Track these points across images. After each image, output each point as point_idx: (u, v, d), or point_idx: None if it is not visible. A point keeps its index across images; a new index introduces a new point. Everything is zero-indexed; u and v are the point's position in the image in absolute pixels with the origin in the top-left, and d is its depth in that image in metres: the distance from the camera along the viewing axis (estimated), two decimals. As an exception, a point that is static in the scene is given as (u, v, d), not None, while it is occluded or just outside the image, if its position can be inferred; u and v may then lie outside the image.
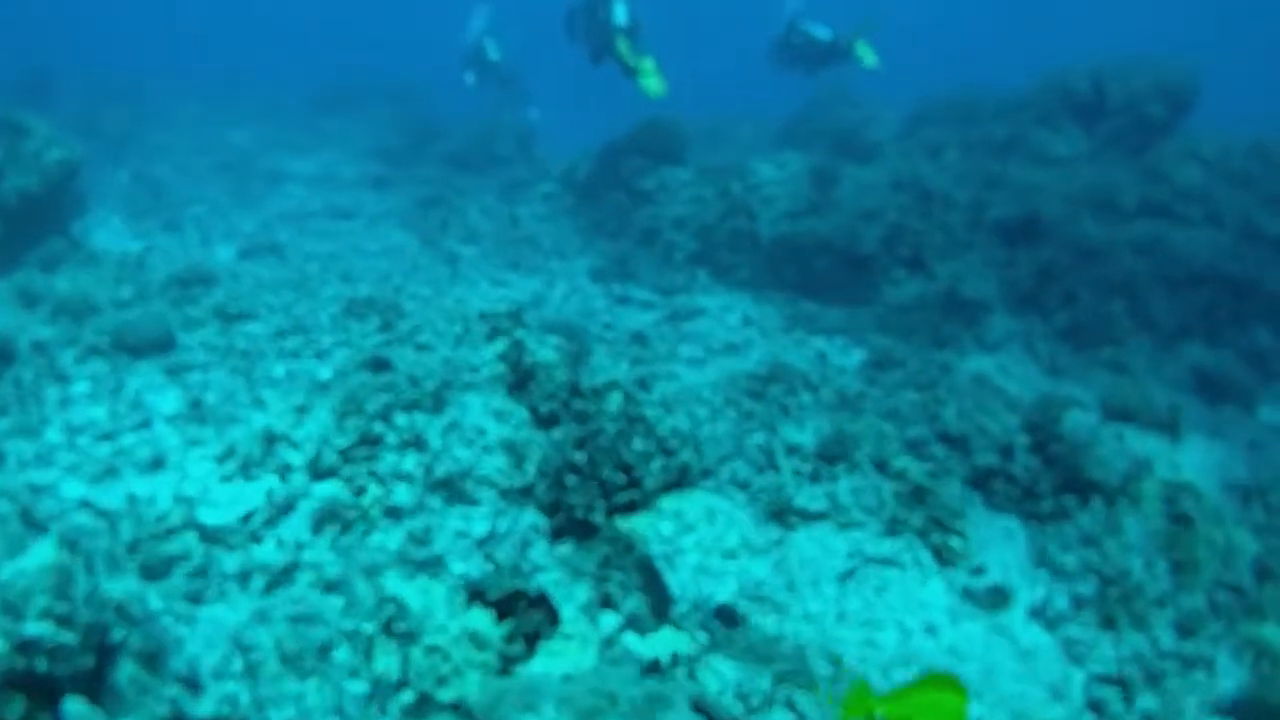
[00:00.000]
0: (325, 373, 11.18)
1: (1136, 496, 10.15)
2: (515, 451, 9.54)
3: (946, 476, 10.18)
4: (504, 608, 7.37)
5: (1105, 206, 17.76)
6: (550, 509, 9.09)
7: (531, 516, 9.09)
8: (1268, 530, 10.57)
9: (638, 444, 9.27)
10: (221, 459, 9.36)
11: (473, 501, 9.11)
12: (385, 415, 9.61)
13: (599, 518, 8.85)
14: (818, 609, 8.47)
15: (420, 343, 12.03)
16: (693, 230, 17.61)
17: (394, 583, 7.79)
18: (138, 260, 14.50)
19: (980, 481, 10.32)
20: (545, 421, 10.05)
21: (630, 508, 8.97)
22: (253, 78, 34.98)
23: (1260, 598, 9.46)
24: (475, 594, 7.49)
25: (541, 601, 7.51)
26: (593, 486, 9.01)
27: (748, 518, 9.29)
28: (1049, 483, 10.25)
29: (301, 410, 9.85)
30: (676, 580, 8.30)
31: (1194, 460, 12.20)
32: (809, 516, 9.52)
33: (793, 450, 10.33)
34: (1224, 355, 16.48)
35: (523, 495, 9.24)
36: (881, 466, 10.11)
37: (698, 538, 8.79)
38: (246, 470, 9.20)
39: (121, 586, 7.41)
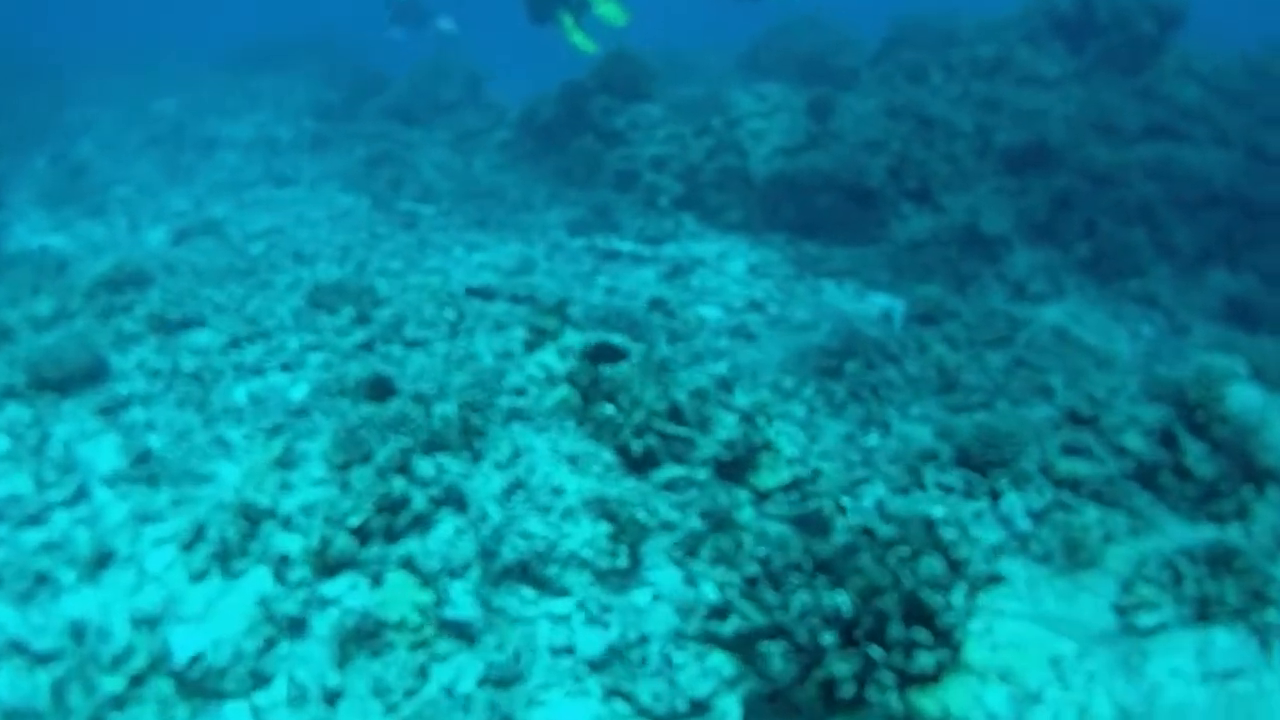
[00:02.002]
0: (299, 392, 8.23)
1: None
2: (612, 517, 6.48)
3: (1122, 481, 7.81)
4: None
5: (1108, 129, 15.45)
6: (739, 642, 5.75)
7: (668, 617, 6.14)
8: None
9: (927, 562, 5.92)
10: (188, 545, 6.38)
11: (559, 591, 6.20)
12: (404, 465, 6.68)
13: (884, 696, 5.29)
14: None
15: (410, 338, 9.08)
16: (675, 171, 14.94)
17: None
18: (58, 264, 11.34)
19: (1146, 478, 7.98)
20: (639, 464, 7.11)
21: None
22: (174, 43, 31.13)
23: None
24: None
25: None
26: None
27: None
28: (1224, 476, 7.90)
29: (283, 463, 6.90)
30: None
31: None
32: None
33: (927, 457, 7.95)
34: (1247, 280, 14.44)
35: (622, 577, 6.38)
36: (1046, 471, 7.76)
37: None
38: (225, 562, 6.25)
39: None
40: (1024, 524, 7.10)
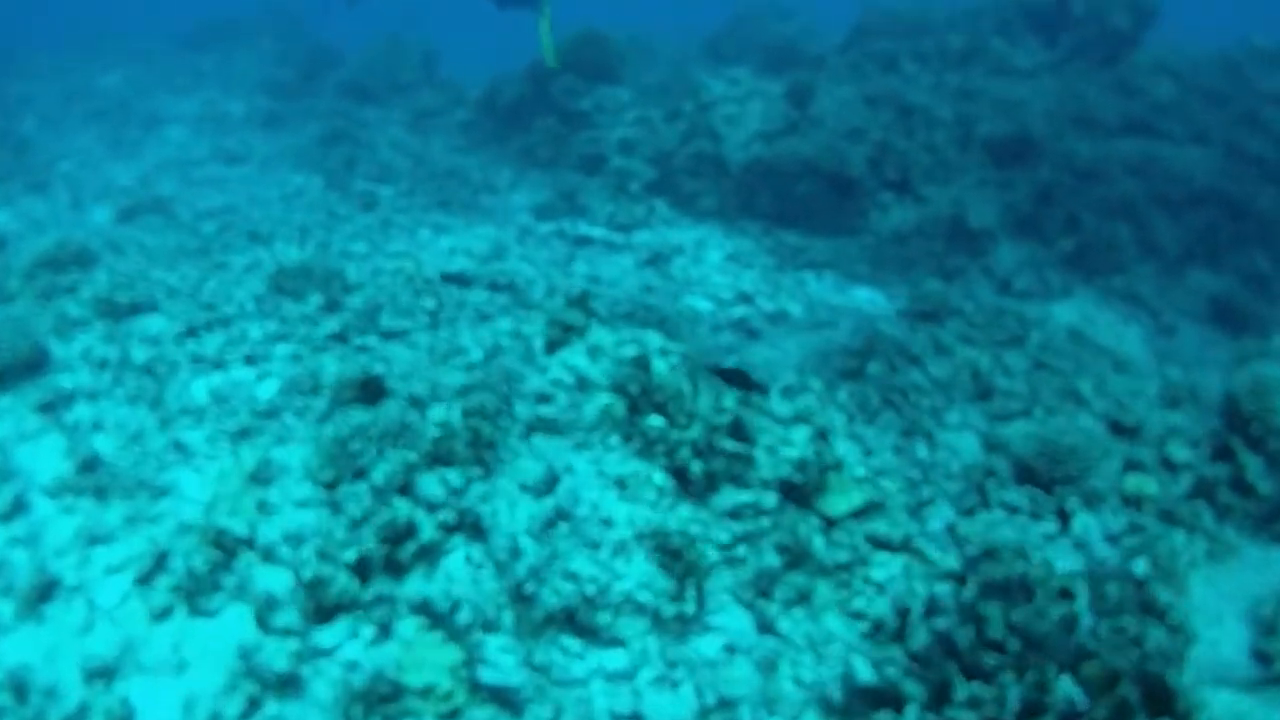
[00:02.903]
0: (267, 389, 7.06)
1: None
2: (672, 553, 5.38)
3: (1186, 498, 6.84)
4: None
5: (1087, 123, 14.60)
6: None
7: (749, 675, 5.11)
8: None
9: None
10: (146, 575, 5.25)
11: (611, 641, 5.10)
12: (406, 485, 5.60)
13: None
14: None
15: (388, 328, 7.93)
16: (646, 155, 13.81)
17: None
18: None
19: (1205, 493, 7.03)
20: (696, 487, 6.03)
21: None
22: (124, 19, 29.33)
23: None
24: None
25: None
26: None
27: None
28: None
29: (259, 478, 5.75)
30: None
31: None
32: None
33: (986, 473, 6.92)
34: (1228, 280, 13.65)
35: (681, 624, 5.30)
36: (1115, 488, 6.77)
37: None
38: (193, 599, 5.08)
39: None
40: (1102, 548, 6.13)
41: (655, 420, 6.13)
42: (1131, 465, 7.01)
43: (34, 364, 7.25)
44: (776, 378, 7.90)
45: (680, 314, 9.04)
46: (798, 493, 6.06)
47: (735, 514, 5.81)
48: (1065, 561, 6.02)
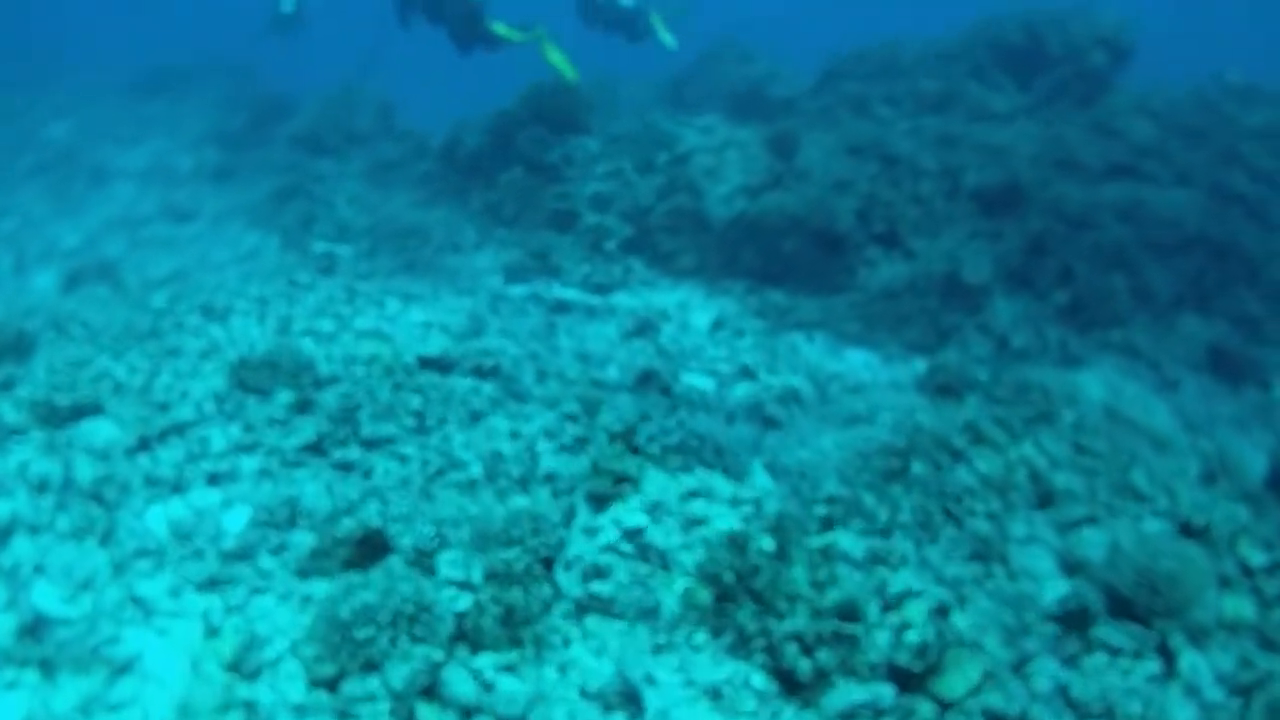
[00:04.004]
0: (236, 520, 5.92)
1: None
2: None
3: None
4: None
5: (1071, 167, 13.69)
6: None
7: None
8: None
9: None
10: None
11: None
12: (430, 686, 4.50)
13: None
14: None
15: (370, 436, 6.81)
16: (621, 211, 12.65)
17: None
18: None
19: None
20: (804, 687, 4.83)
21: None
22: (68, 62, 27.71)
23: None
24: None
25: None
26: None
27: None
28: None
29: (241, 668, 4.67)
30: None
31: None
32: None
33: (1074, 622, 5.85)
34: (1219, 326, 12.78)
35: None
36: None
37: None
38: None
39: None
40: (1214, 693, 5.09)
41: (749, 609, 4.94)
42: (1223, 582, 6.00)
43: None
44: (820, 485, 6.79)
45: (737, 435, 7.88)
46: (912, 677, 4.99)
47: (849, 716, 4.66)
48: (1180, 713, 4.99)
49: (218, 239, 13.55)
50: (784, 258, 11.68)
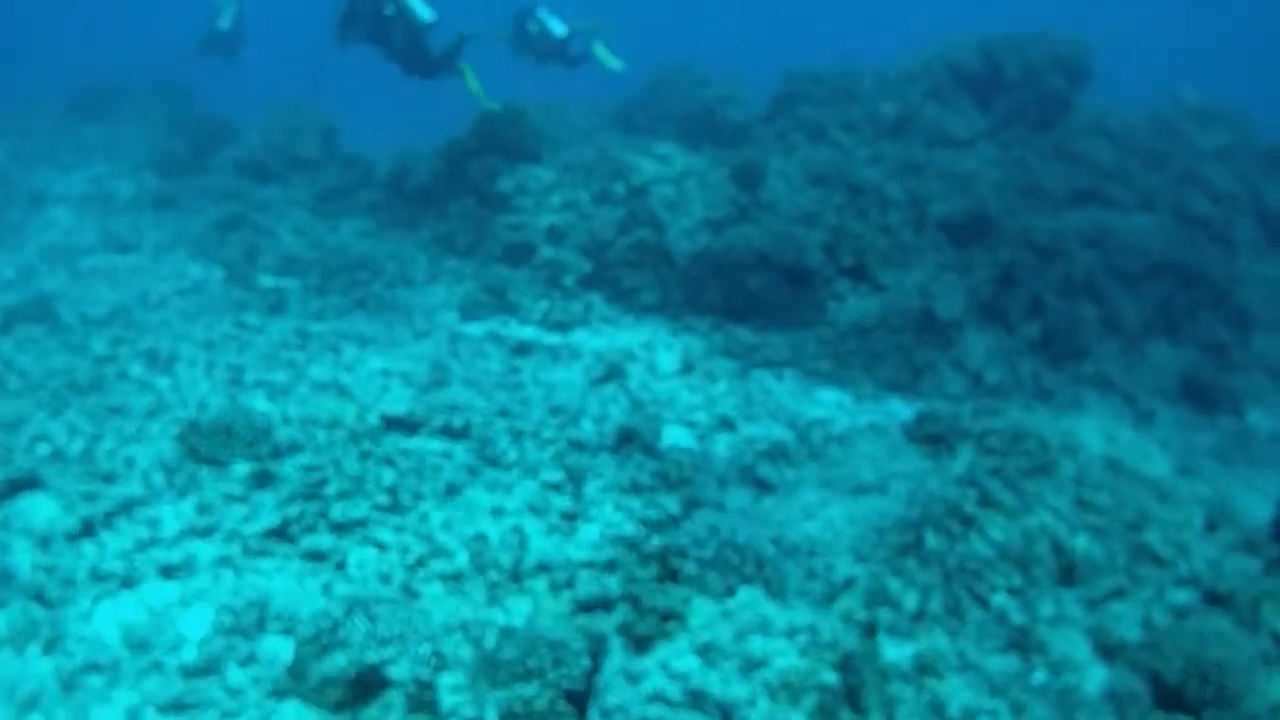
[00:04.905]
0: (196, 624, 5.16)
1: None
2: None
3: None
4: None
5: (1035, 194, 13.10)
6: None
7: None
8: None
9: None
10: None
11: None
12: None
13: None
14: None
15: (340, 519, 6.02)
16: (578, 244, 11.78)
17: None
18: None
19: None
20: None
21: None
22: (2, 77, 26.19)
23: None
24: None
25: None
26: None
27: None
28: None
29: None
30: None
31: None
32: None
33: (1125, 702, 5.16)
34: (1189, 353, 12.27)
35: None
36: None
37: None
38: None
39: None
40: None
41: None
42: (1265, 660, 5.36)
43: None
44: (835, 567, 6.04)
45: (762, 539, 7.06)
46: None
47: None
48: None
49: (160, 271, 12.49)
50: (750, 293, 10.93)
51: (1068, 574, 6.24)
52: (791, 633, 5.08)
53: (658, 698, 4.80)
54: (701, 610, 5.32)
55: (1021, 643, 5.68)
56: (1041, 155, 13.64)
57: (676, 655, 5.00)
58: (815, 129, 14.38)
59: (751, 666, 4.87)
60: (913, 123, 14.26)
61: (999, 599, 5.94)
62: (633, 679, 4.94)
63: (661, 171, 12.35)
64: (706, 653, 4.99)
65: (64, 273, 12.35)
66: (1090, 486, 7.18)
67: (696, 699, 4.75)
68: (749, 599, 5.35)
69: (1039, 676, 5.42)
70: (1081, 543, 6.43)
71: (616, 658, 5.14)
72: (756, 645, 4.99)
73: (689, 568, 5.71)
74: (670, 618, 5.25)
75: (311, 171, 16.04)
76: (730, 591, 5.61)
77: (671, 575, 5.64)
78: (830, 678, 4.77)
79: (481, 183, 12.94)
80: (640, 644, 5.20)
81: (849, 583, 6.10)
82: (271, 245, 13.05)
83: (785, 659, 4.91)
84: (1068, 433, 7.98)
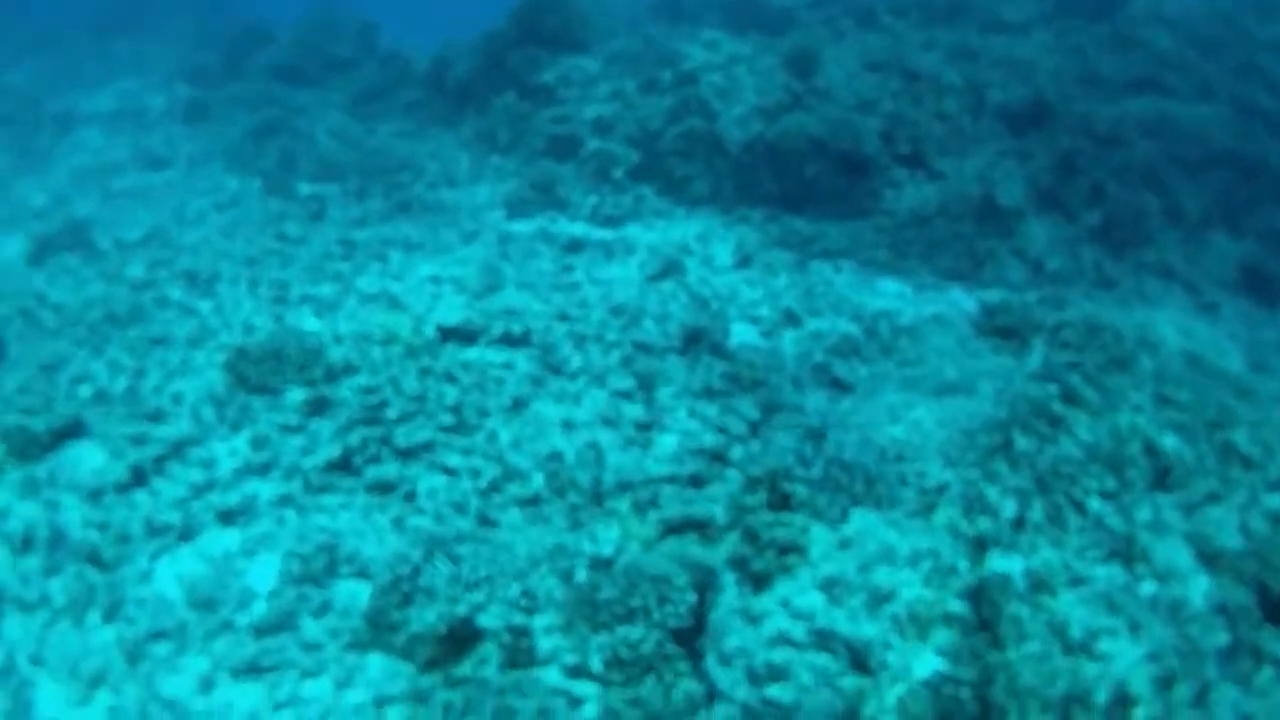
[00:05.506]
0: (264, 576, 4.86)
1: None
2: None
3: None
4: None
5: (1093, 81, 12.54)
6: None
7: None
8: None
9: None
10: None
11: None
12: None
13: None
14: None
15: (405, 444, 5.63)
16: (626, 135, 11.30)
17: None
18: None
19: None
20: None
21: None
22: (21, 5, 25.39)
23: None
24: None
25: None
26: None
27: None
28: None
29: None
30: None
31: None
32: None
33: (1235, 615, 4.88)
34: (1249, 244, 11.78)
35: None
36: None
37: None
38: None
39: None
40: None
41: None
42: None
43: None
44: (927, 474, 5.70)
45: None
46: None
47: None
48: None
49: (195, 186, 12.07)
50: (806, 182, 10.46)
51: (1161, 477, 5.87)
52: (914, 559, 4.75)
53: (782, 639, 4.48)
54: (822, 536, 4.95)
55: (1125, 551, 5.32)
56: (1099, 42, 13.00)
57: (799, 592, 4.64)
58: (864, 13, 13.78)
59: (879, 600, 4.55)
60: (965, 7, 13.64)
61: (1094, 504, 5.58)
62: (752, 620, 4.58)
63: (710, 58, 11.81)
64: (831, 588, 4.66)
65: (96, 195, 11.94)
66: (1171, 383, 6.79)
67: (824, 639, 4.43)
68: (865, 523, 5.00)
69: (1146, 588, 5.07)
70: (1170, 443, 6.05)
71: (730, 595, 4.77)
72: (882, 576, 4.66)
73: (799, 491, 5.35)
74: (789, 550, 4.88)
75: (348, 72, 15.51)
76: (844, 515, 5.29)
77: (783, 501, 5.26)
78: (958, 607, 4.45)
79: (523, 75, 12.44)
80: (758, 581, 4.82)
81: (942, 489, 5.75)
82: (309, 151, 12.59)
83: (911, 589, 4.59)
84: (1143, 326, 7.57)
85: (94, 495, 5.34)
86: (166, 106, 15.34)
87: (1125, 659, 4.65)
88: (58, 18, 22.34)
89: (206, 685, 4.40)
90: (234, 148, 12.90)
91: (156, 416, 6.04)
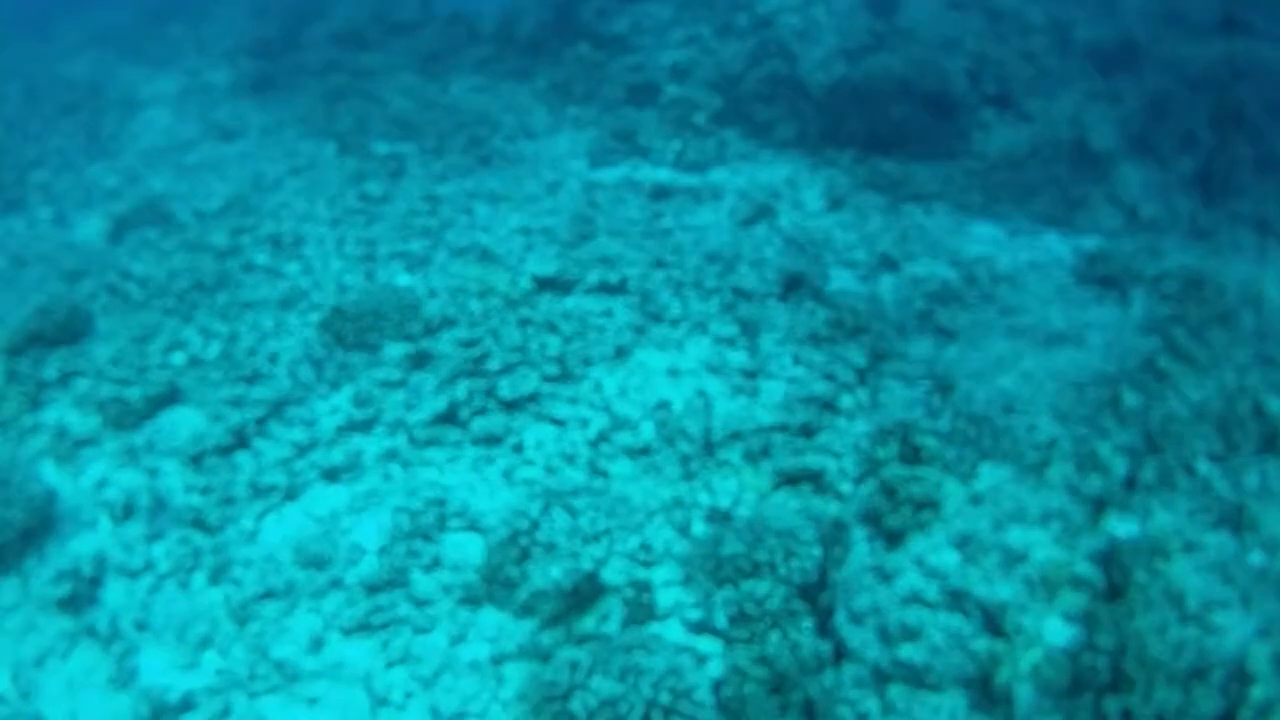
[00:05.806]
0: (373, 533, 4.81)
1: None
2: None
3: None
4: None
5: (1179, 20, 12.18)
6: None
7: None
8: None
9: None
10: None
11: None
12: None
13: None
14: None
15: (509, 395, 5.54)
16: (705, 80, 11.06)
17: None
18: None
19: None
20: None
21: None
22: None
23: None
24: None
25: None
26: None
27: None
28: None
29: None
30: None
31: None
32: None
33: None
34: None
35: None
36: None
37: None
38: None
39: None
40: None
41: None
42: None
43: (37, 526, 4.62)
44: (1037, 427, 5.48)
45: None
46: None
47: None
48: None
49: (270, 153, 11.90)
50: (893, 124, 10.18)
51: (1269, 441, 5.62)
52: (1045, 519, 4.56)
53: (915, 598, 4.31)
54: (955, 492, 4.73)
55: (1234, 518, 5.08)
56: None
57: (933, 550, 4.43)
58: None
59: (1012, 560, 4.36)
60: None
61: (1203, 466, 5.35)
62: (885, 577, 4.38)
63: (785, 0, 11.54)
64: (965, 545, 4.47)
65: (170, 171, 11.76)
66: (1274, 342, 6.52)
67: (957, 599, 4.25)
68: (995, 479, 4.79)
69: (1255, 558, 4.84)
70: (1276, 406, 5.79)
71: (861, 551, 4.57)
72: (1015, 535, 4.47)
73: (930, 444, 5.11)
74: (925, 506, 4.66)
75: (412, 34, 15.28)
76: (974, 471, 5.06)
77: (915, 454, 5.03)
78: (1086, 570, 4.26)
79: (595, 25, 12.23)
80: (892, 538, 4.61)
81: (1052, 444, 5.51)
82: (381, 111, 12.40)
83: (1043, 550, 4.40)
84: (1245, 282, 7.27)
85: (194, 460, 5.22)
86: (231, 81, 15.17)
87: (1238, 633, 4.44)
88: (113, 10, 22.19)
89: (317, 644, 4.28)
90: (305, 114, 12.74)
91: (253, 378, 5.90)
